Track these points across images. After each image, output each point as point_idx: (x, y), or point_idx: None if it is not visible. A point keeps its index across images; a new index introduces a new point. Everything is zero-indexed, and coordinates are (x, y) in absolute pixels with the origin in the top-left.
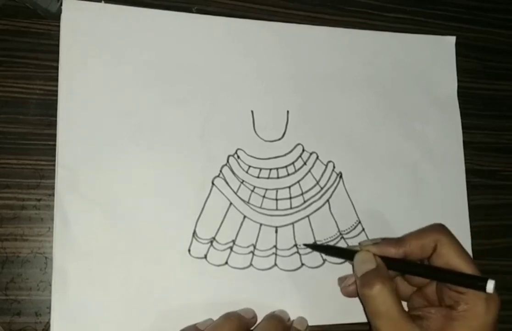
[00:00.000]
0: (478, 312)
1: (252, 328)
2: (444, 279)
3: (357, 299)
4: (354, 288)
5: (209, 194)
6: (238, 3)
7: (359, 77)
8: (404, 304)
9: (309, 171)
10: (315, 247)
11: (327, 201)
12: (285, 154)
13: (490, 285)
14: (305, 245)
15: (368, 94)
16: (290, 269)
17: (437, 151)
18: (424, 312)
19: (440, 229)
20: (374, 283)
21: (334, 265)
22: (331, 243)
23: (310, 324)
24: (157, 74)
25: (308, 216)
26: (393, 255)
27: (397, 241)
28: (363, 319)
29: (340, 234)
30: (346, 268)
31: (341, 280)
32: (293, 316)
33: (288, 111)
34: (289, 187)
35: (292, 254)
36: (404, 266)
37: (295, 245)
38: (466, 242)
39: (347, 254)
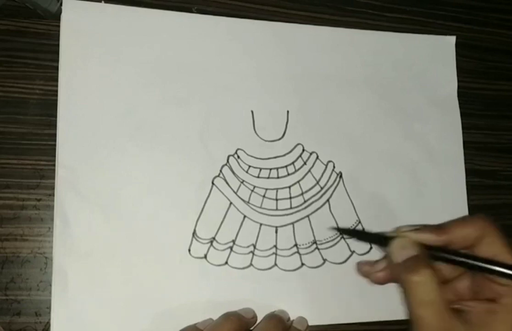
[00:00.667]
0: None
1: (252, 328)
2: (488, 270)
3: (357, 298)
4: (384, 274)
5: (209, 194)
6: (238, 3)
7: (359, 77)
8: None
9: (309, 170)
10: (347, 231)
11: (327, 200)
12: (285, 154)
13: None
14: (338, 229)
15: (368, 94)
16: (290, 269)
17: (437, 151)
18: (463, 305)
19: (486, 218)
20: (420, 268)
21: (334, 264)
22: (331, 243)
23: (310, 324)
24: (157, 74)
25: (308, 216)
26: (433, 243)
27: (439, 228)
28: (363, 319)
29: (340, 234)
30: (347, 268)
31: (365, 266)
32: (293, 316)
33: (288, 111)
34: (289, 187)
35: (292, 254)
36: (447, 255)
37: (295, 245)
38: None
39: (379, 240)
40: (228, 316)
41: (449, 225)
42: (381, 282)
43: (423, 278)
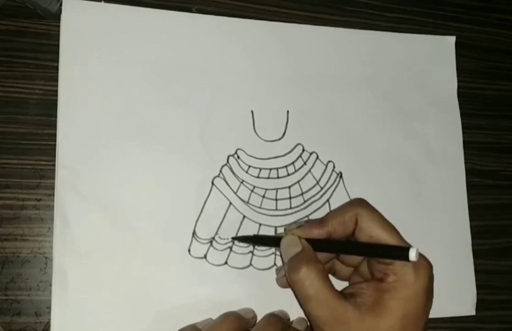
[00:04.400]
0: (408, 281)
1: (251, 328)
2: (368, 253)
3: None
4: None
5: (209, 194)
6: (238, 3)
7: (359, 77)
8: (346, 284)
9: (309, 170)
10: (242, 239)
11: (327, 201)
12: (285, 154)
13: (412, 253)
14: (233, 238)
15: (368, 94)
16: None
17: (437, 151)
18: (356, 288)
19: (359, 202)
20: (300, 266)
21: None
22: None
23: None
24: (157, 74)
25: (308, 216)
26: (317, 236)
27: (320, 221)
28: None
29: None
30: None
31: (278, 271)
32: (293, 316)
33: (288, 111)
34: (289, 187)
35: None
36: (328, 245)
37: None
38: (466, 242)
39: (275, 241)
40: (227, 316)
41: (329, 215)
42: (286, 286)
43: (303, 275)
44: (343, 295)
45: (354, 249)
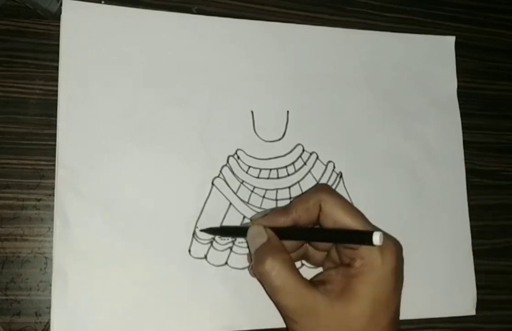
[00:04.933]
0: (375, 264)
1: None
2: (333, 239)
3: None
4: None
5: (209, 194)
6: (238, 3)
7: (359, 77)
8: (320, 269)
9: (309, 171)
10: (210, 230)
11: None
12: (285, 155)
13: (376, 237)
14: (201, 230)
15: (368, 94)
16: None
17: (437, 151)
18: (325, 275)
19: (323, 188)
20: (265, 258)
21: None
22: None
23: None
24: (157, 74)
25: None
26: (282, 224)
27: (285, 209)
28: None
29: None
30: None
31: (249, 260)
32: None
33: (288, 111)
34: (289, 187)
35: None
36: (294, 233)
37: None
38: (466, 242)
39: (242, 232)
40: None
41: (293, 203)
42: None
43: (269, 267)
44: (312, 283)
45: (319, 235)
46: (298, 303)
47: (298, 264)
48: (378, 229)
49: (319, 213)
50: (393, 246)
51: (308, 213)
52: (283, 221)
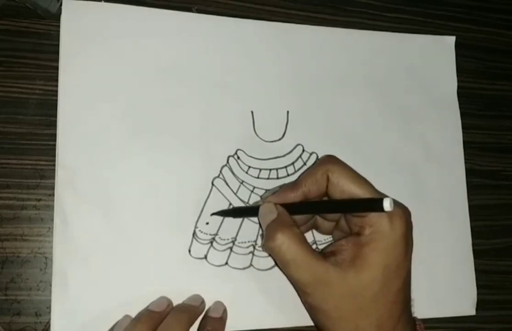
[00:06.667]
0: (384, 231)
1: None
2: (342, 209)
3: None
4: None
5: (209, 195)
6: (238, 3)
7: (359, 77)
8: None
9: None
10: (222, 212)
11: None
12: (285, 155)
13: (386, 204)
14: (212, 214)
15: (368, 94)
16: None
17: (437, 151)
18: (335, 246)
19: (329, 159)
20: (275, 234)
21: None
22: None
23: (311, 324)
24: (157, 74)
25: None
26: (292, 199)
27: (294, 184)
28: None
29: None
30: None
31: (262, 237)
32: (293, 315)
33: (288, 112)
34: None
35: None
36: (304, 207)
37: None
38: (466, 242)
39: (254, 211)
40: (179, 309)
41: (301, 177)
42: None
43: (279, 241)
44: (323, 255)
45: (328, 207)
46: (310, 275)
47: (310, 240)
48: (386, 196)
49: (327, 183)
50: (402, 212)
51: (317, 184)
52: (293, 197)
